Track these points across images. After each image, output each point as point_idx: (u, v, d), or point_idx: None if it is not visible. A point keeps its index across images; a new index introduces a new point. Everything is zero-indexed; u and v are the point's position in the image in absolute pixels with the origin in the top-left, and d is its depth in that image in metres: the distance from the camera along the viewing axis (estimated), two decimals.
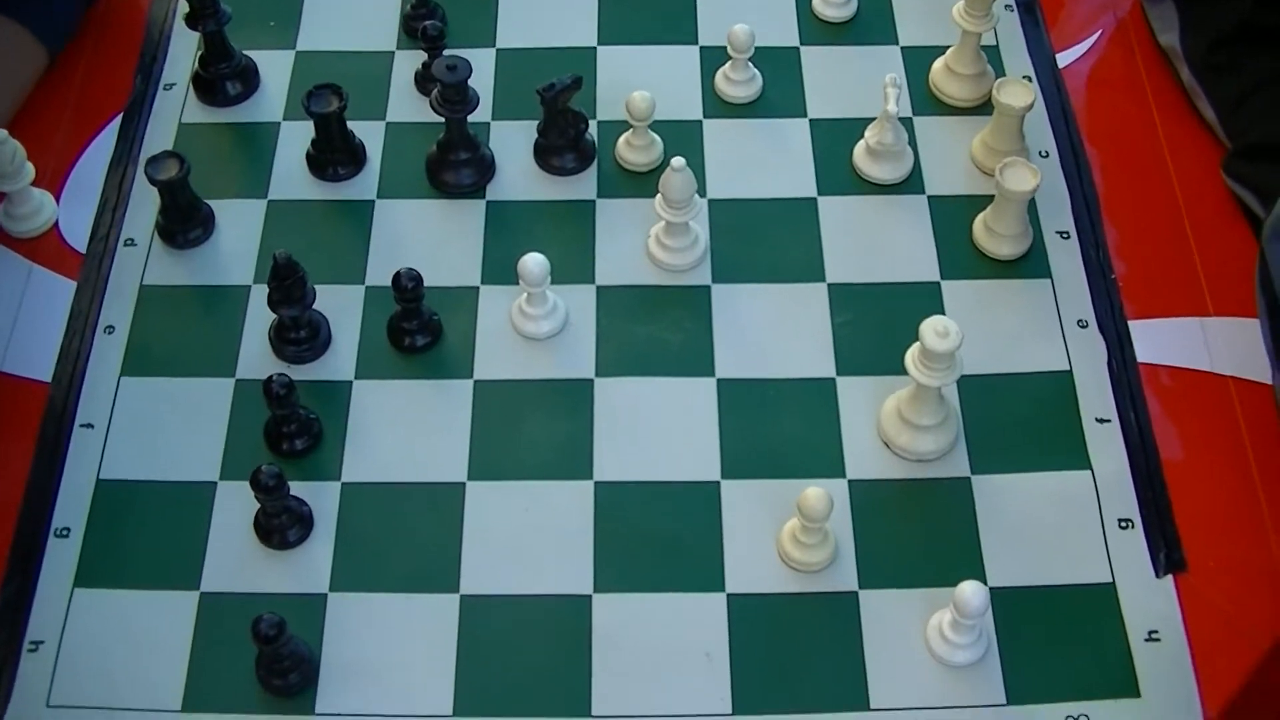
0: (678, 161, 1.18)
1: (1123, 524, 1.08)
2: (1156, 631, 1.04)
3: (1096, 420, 1.14)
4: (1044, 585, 1.06)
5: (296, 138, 1.32)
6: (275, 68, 1.38)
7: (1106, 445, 1.13)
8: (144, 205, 1.27)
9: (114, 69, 1.39)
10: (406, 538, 1.09)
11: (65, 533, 1.09)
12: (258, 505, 1.07)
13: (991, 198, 1.23)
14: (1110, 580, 1.06)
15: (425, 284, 1.16)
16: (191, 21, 1.31)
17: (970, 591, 0.98)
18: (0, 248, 1.25)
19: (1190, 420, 1.15)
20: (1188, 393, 1.16)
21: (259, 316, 1.20)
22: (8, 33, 1.32)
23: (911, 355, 1.08)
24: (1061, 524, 1.09)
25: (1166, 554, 1.07)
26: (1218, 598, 1.05)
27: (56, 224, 1.27)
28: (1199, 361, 1.17)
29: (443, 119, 1.26)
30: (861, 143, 1.30)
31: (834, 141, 1.32)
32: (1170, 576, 1.06)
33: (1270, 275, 1.08)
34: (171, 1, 1.44)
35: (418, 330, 1.19)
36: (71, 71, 1.38)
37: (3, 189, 1.24)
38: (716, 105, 1.36)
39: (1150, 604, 1.05)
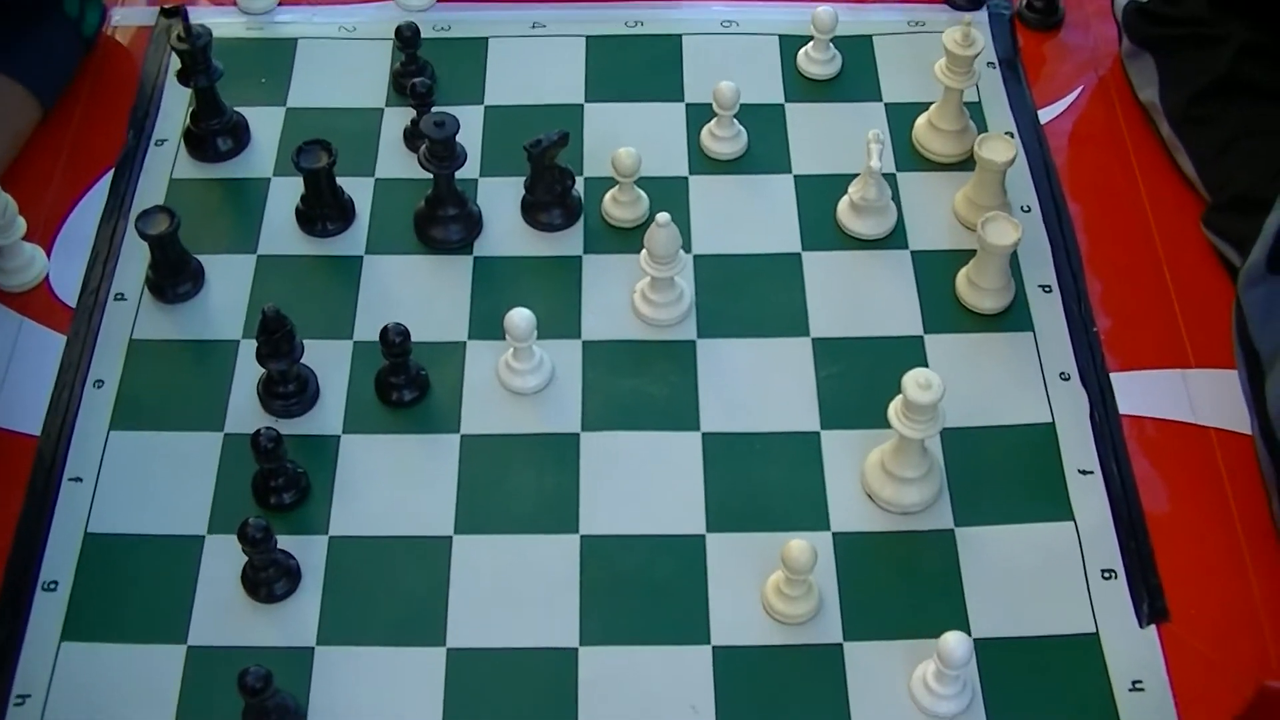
0: (663, 217, 1.18)
1: (1106, 574, 1.09)
2: (1140, 681, 1.04)
3: (1079, 471, 1.15)
4: (1028, 636, 1.07)
5: (286, 193, 1.33)
6: (266, 124, 1.39)
7: (1089, 496, 1.13)
8: (134, 260, 1.28)
9: (106, 124, 1.40)
10: (393, 591, 1.09)
11: (53, 586, 1.09)
12: (245, 559, 1.07)
13: (974, 252, 1.24)
14: (1094, 630, 1.07)
15: (413, 339, 1.16)
16: (183, 78, 1.33)
17: (954, 642, 0.98)
18: None
19: (1172, 471, 1.16)
20: (1170, 444, 1.17)
21: (248, 371, 1.20)
22: (1, 87, 1.34)
23: (894, 407, 1.09)
24: (1045, 575, 1.09)
25: (1150, 603, 1.07)
26: (1201, 646, 1.06)
27: (47, 278, 1.28)
28: (1181, 413, 1.18)
29: (431, 175, 1.27)
30: (845, 198, 1.31)
31: (818, 197, 1.33)
32: (1153, 626, 1.07)
33: (1246, 323, 1.09)
34: (164, 58, 1.45)
35: (405, 385, 1.19)
36: (64, 126, 1.40)
37: None
38: (702, 162, 1.37)
39: (1134, 653, 1.06)
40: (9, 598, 1.08)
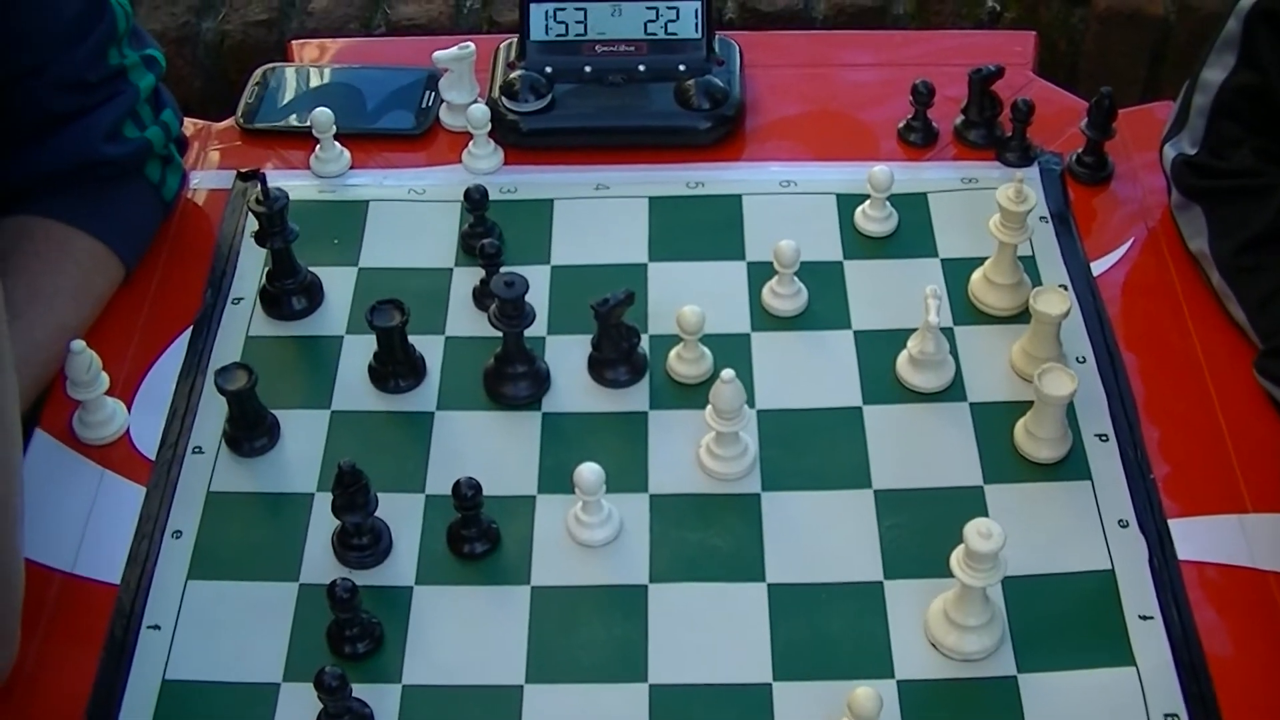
0: (727, 373, 1.21)
1: (1169, 718, 1.09)
2: None
3: (1139, 617, 1.15)
4: None
5: (359, 350, 1.35)
6: (339, 283, 1.43)
7: (1150, 641, 1.13)
8: (211, 414, 1.31)
9: (185, 283, 1.44)
10: None
11: None
12: (320, 706, 1.08)
13: (1031, 403, 1.25)
14: None
15: (484, 493, 1.18)
16: (260, 239, 1.37)
17: None
18: (73, 454, 1.29)
19: (1232, 614, 1.16)
20: (1229, 588, 1.17)
21: (322, 523, 1.23)
22: (87, 247, 1.38)
23: (956, 557, 1.11)
24: None
25: None
26: None
27: (128, 432, 1.31)
28: (1239, 557, 1.19)
29: (500, 333, 1.30)
30: (904, 353, 1.33)
31: (878, 352, 1.35)
32: None
33: None
34: (241, 219, 1.49)
35: (476, 538, 1.21)
36: (145, 286, 1.43)
37: (78, 397, 1.28)
38: (764, 319, 1.39)
39: None
40: None
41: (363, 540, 1.20)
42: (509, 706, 1.12)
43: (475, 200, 1.42)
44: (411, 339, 1.33)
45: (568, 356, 1.36)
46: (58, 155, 1.38)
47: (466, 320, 1.39)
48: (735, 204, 1.50)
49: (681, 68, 1.57)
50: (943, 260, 1.43)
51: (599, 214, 1.50)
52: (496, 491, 1.23)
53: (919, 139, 1.56)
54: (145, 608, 1.18)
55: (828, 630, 1.16)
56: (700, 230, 1.47)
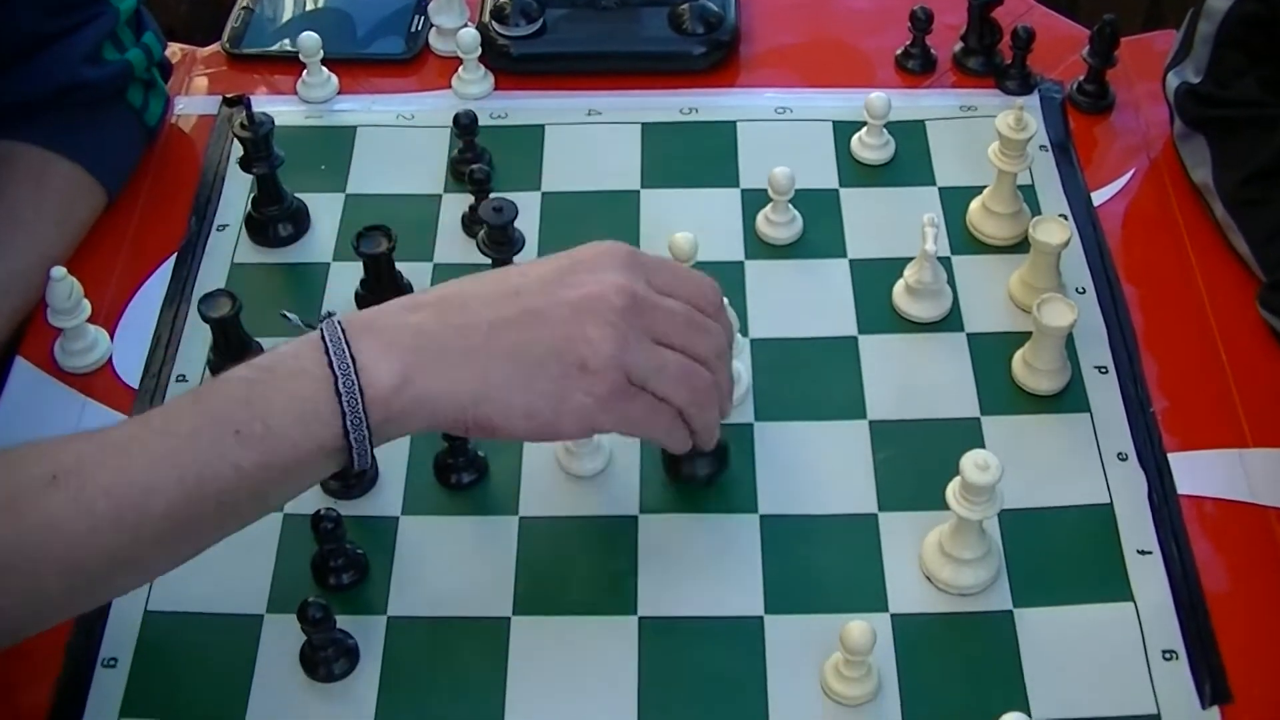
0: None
1: (1166, 655, 1.08)
2: None
3: (1138, 552, 1.14)
4: (1089, 718, 1.05)
5: (346, 277, 1.33)
6: (326, 210, 1.41)
7: (1148, 577, 1.12)
8: (196, 343, 1.29)
9: (169, 210, 1.42)
10: (452, 671, 1.09)
11: (113, 663, 1.09)
12: (304, 638, 1.07)
13: (1030, 334, 1.24)
14: (1155, 712, 1.05)
15: None
16: (245, 165, 1.35)
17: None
18: (55, 382, 1.27)
19: (1232, 551, 1.14)
20: (1229, 523, 1.16)
21: None
22: (67, 173, 1.36)
23: (953, 489, 1.09)
24: (1105, 656, 1.08)
25: (1211, 684, 1.06)
26: None
27: (110, 360, 1.29)
28: (1239, 492, 1.17)
29: (489, 260, 1.27)
30: (901, 282, 1.31)
31: (874, 281, 1.33)
32: (1216, 708, 1.05)
33: None
34: (226, 145, 1.47)
35: (464, 467, 1.19)
36: (128, 212, 1.41)
37: (59, 325, 1.26)
38: (758, 246, 1.37)
39: None
40: (70, 674, 1.09)
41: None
42: (496, 638, 1.10)
43: (464, 126, 1.40)
44: (399, 266, 1.31)
45: None
46: (36, 79, 1.35)
47: (455, 247, 1.37)
48: (730, 131, 1.48)
49: None
50: (940, 189, 1.41)
51: (591, 140, 1.48)
52: None
53: (917, 66, 1.54)
54: None
55: (821, 563, 1.15)
56: (694, 157, 1.46)
